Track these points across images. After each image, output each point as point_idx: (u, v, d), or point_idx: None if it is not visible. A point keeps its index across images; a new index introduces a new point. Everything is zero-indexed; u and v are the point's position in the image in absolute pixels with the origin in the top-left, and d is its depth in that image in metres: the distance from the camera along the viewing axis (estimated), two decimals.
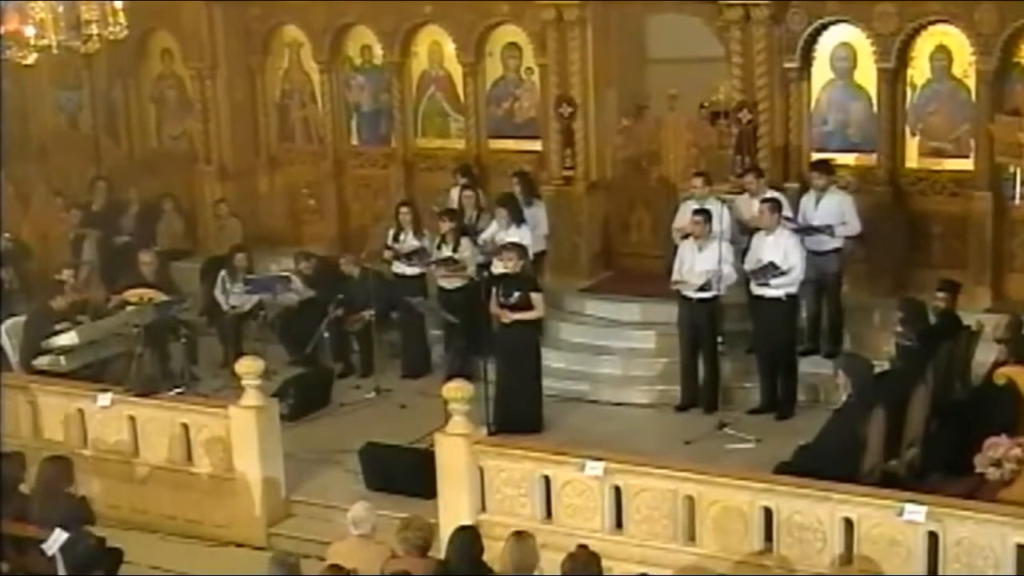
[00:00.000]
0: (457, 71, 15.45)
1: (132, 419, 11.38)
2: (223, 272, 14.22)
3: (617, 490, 9.56)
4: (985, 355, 11.04)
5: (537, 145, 14.99)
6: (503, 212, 13.13)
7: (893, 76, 13.02)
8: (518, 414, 11.70)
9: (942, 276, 11.80)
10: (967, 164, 12.98)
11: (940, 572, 8.55)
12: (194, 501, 11.07)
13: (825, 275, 12.49)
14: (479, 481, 9.99)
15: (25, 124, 17.84)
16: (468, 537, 7.90)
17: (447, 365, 13.10)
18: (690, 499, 9.33)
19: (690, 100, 14.23)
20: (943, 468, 9.68)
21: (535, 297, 11.94)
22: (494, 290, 12.02)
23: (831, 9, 13.16)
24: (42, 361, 12.58)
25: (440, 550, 7.99)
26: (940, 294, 11.21)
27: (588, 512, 9.62)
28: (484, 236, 13.27)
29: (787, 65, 13.37)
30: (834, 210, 12.55)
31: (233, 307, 14.00)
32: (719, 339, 12.24)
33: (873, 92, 13.24)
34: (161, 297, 13.25)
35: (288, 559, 7.99)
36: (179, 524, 11.09)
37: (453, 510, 9.80)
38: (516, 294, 11.87)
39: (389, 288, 13.66)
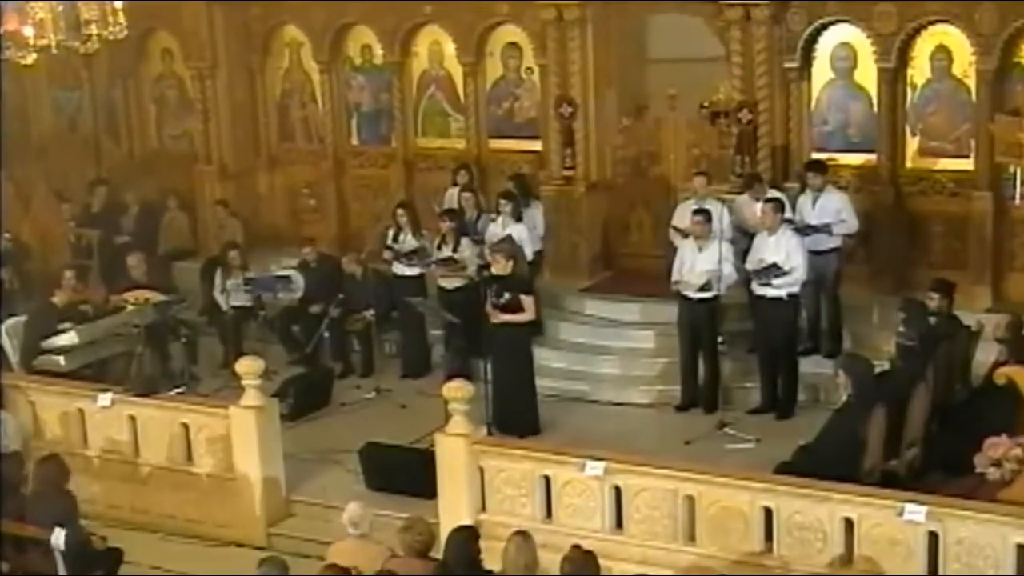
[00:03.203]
0: (457, 71, 15.46)
1: (132, 419, 11.38)
2: (218, 270, 14.22)
3: (617, 490, 9.56)
4: (985, 355, 11.03)
5: (537, 145, 14.99)
6: (508, 207, 13.15)
7: (893, 76, 13.02)
8: (514, 416, 11.70)
9: (943, 276, 11.79)
10: (967, 164, 12.98)
11: (940, 572, 8.55)
12: (194, 501, 11.08)
13: (824, 275, 12.50)
14: (479, 481, 9.99)
15: (25, 124, 17.84)
16: (465, 537, 7.90)
17: (447, 365, 13.11)
18: (690, 499, 9.33)
19: (690, 100, 14.22)
20: (943, 468, 9.68)
21: (525, 299, 11.92)
22: (487, 291, 12.02)
23: (831, 9, 13.16)
24: (42, 361, 12.58)
25: (440, 550, 7.99)
26: (932, 294, 11.19)
27: (588, 512, 9.62)
28: (489, 235, 13.26)
29: (787, 65, 13.37)
30: (831, 209, 12.57)
31: (233, 307, 13.99)
32: (719, 339, 12.25)
33: (873, 92, 13.24)
34: (160, 297, 13.26)
35: (277, 560, 8.01)
36: (179, 524, 11.09)
37: (453, 510, 9.80)
38: (507, 295, 11.85)
39: (389, 288, 13.67)
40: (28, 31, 11.14)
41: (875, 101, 13.23)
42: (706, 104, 14.11)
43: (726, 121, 13.68)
